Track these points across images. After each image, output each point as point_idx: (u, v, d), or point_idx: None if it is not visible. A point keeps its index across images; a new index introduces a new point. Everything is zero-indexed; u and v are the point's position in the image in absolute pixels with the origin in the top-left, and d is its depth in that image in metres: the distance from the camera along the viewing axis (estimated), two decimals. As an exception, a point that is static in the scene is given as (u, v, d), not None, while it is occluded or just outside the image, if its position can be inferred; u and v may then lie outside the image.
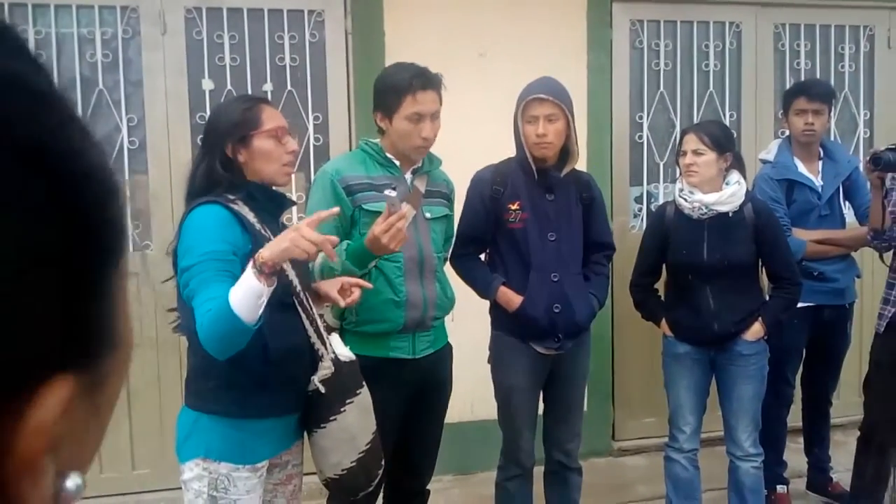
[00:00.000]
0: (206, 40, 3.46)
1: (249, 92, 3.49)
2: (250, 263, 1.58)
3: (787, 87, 3.95)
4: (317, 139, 3.60)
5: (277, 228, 1.87)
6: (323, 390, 1.83)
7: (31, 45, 3.22)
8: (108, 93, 3.40)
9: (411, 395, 2.37)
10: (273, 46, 3.53)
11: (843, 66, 4.19)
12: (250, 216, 1.78)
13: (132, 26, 3.39)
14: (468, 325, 2.84)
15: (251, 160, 1.83)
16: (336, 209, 1.83)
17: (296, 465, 1.95)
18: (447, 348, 2.50)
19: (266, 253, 1.57)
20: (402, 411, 2.37)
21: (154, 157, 3.41)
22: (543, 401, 2.74)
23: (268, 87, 3.54)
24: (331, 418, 1.86)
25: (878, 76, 4.24)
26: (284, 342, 1.79)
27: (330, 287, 2.03)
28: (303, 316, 1.85)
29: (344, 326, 2.31)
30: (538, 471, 2.78)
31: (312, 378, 1.83)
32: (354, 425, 1.91)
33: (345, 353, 1.94)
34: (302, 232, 1.60)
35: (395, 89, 2.24)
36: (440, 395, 2.49)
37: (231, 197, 1.78)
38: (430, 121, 2.25)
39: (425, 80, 2.25)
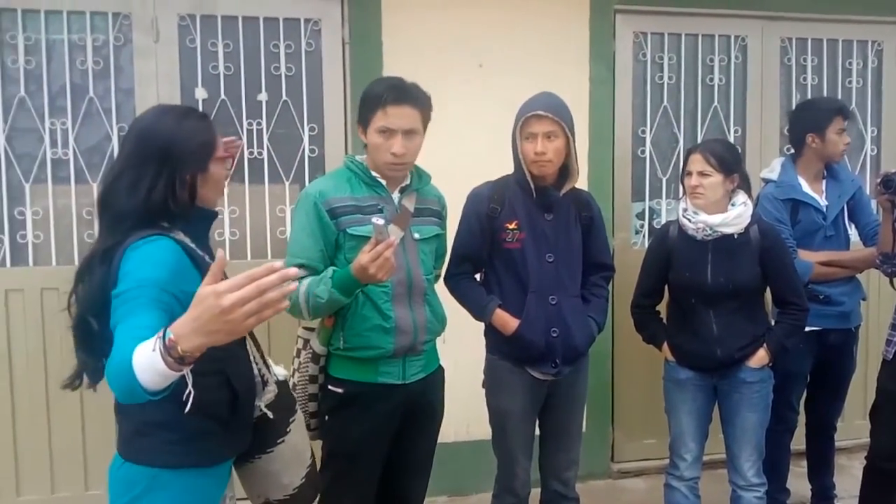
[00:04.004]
0: (199, 48, 3.38)
1: (244, 101, 3.42)
2: (156, 341, 1.22)
3: (794, 102, 3.89)
4: (312, 150, 3.52)
5: (209, 247, 1.75)
6: (271, 415, 1.76)
7: (21, 50, 3.17)
8: (98, 101, 3.32)
9: (401, 419, 2.29)
10: (268, 55, 3.46)
11: (850, 82, 4.11)
12: (192, 245, 1.64)
13: (124, 33, 3.32)
14: (464, 343, 2.75)
15: (203, 186, 1.66)
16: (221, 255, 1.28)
17: (232, 498, 1.84)
18: (439, 372, 2.42)
19: (189, 342, 1.18)
20: (391, 436, 2.29)
21: (145, 167, 3.31)
22: (540, 427, 2.65)
23: (262, 96, 3.46)
24: (279, 441, 1.80)
25: (886, 92, 4.16)
26: (245, 380, 1.71)
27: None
28: (249, 343, 1.75)
29: (332, 352, 2.22)
30: (535, 493, 2.68)
31: (257, 404, 1.76)
32: (299, 442, 1.87)
33: (280, 371, 1.89)
34: (230, 313, 1.16)
35: (369, 101, 2.18)
36: (431, 420, 2.41)
37: (167, 225, 1.60)
38: (401, 137, 2.15)
39: (398, 94, 2.15)
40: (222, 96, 3.41)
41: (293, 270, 1.20)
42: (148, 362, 1.21)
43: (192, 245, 1.63)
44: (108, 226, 1.59)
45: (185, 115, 1.68)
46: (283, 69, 3.47)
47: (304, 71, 3.49)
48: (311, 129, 3.52)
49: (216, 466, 1.69)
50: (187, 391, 1.33)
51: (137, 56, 3.32)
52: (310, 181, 3.46)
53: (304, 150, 3.51)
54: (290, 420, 1.84)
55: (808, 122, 3.12)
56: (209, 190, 1.69)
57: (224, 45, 3.40)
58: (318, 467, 2.08)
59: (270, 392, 1.77)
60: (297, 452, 1.85)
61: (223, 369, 1.64)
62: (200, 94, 3.39)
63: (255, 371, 1.77)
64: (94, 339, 1.56)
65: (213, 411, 1.63)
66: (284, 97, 3.48)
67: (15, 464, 3.30)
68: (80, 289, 1.58)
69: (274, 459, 1.80)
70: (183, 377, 1.28)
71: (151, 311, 1.36)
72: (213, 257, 1.73)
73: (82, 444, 3.34)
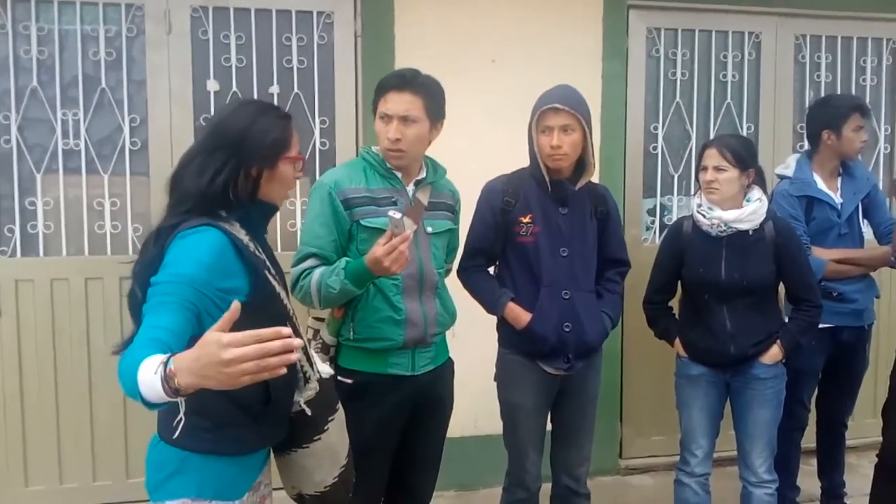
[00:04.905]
0: (211, 40, 3.38)
1: (255, 94, 3.41)
2: (159, 366, 1.25)
3: (808, 100, 3.87)
4: (323, 143, 3.51)
5: (265, 240, 1.78)
6: (309, 412, 1.76)
7: (34, 40, 3.17)
8: (110, 92, 3.32)
9: (410, 411, 2.29)
10: (280, 48, 3.45)
11: (864, 80, 4.09)
12: (245, 238, 1.64)
13: (137, 25, 3.31)
14: (473, 337, 2.75)
15: (268, 182, 1.69)
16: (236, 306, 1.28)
17: (267, 486, 1.86)
18: (448, 364, 2.42)
19: (185, 379, 1.22)
20: (400, 428, 2.30)
21: (156, 158, 3.31)
22: (552, 422, 2.64)
23: (274, 89, 3.45)
24: (315, 438, 1.79)
25: (900, 90, 4.13)
26: (282, 376, 1.69)
27: None
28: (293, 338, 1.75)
29: (341, 342, 2.22)
30: (545, 488, 2.67)
31: (297, 400, 1.76)
32: (337, 442, 1.86)
33: (325, 369, 1.88)
34: (228, 366, 1.19)
35: (376, 90, 2.24)
36: (440, 412, 2.41)
37: (224, 214, 1.63)
38: (397, 122, 2.17)
39: (398, 81, 2.19)
40: (234, 88, 3.40)
41: (297, 342, 1.24)
42: (150, 381, 1.26)
43: (245, 237, 1.64)
44: (172, 206, 1.63)
45: (264, 110, 1.71)
46: (294, 62, 3.46)
47: (316, 64, 3.49)
48: (323, 122, 3.51)
49: (246, 456, 1.69)
50: (178, 418, 1.37)
51: (150, 47, 3.31)
52: (320, 174, 3.46)
53: (315, 143, 3.51)
54: (330, 419, 1.83)
55: (824, 119, 3.10)
56: (273, 187, 1.71)
57: (236, 37, 3.40)
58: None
59: (311, 389, 1.77)
60: (332, 452, 1.85)
61: None
62: (212, 86, 3.39)
63: (298, 366, 1.76)
64: (139, 310, 1.57)
65: (245, 403, 1.63)
66: (296, 90, 3.47)
67: (23, 454, 3.31)
68: (137, 262, 1.62)
69: (308, 455, 1.80)
70: (177, 403, 1.32)
71: (176, 313, 1.40)
72: (267, 249, 1.75)
73: (124, 432, 3.35)
